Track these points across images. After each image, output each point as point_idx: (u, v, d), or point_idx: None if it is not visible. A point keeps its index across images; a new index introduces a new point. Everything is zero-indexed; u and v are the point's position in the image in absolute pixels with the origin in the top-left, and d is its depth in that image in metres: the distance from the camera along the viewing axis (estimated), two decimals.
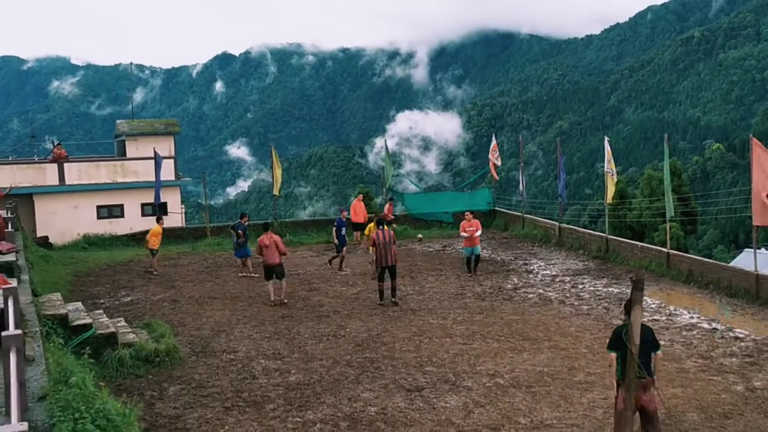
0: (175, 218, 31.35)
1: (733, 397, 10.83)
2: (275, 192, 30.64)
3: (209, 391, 11.50)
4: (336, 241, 22.52)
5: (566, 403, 10.72)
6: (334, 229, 22.59)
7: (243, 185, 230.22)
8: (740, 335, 14.17)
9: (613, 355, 8.47)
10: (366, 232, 21.61)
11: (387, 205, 29.62)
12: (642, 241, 26.44)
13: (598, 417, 10.09)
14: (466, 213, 21.81)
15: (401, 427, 9.94)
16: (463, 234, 20.98)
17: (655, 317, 15.66)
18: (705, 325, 14.98)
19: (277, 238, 17.95)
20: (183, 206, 34.90)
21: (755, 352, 13.06)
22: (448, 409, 10.53)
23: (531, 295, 18.30)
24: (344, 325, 15.60)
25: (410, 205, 32.74)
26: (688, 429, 9.72)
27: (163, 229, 23.41)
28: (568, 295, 18.26)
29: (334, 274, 21.65)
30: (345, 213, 24.16)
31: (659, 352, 8.50)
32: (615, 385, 8.54)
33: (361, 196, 30.08)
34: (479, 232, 20.94)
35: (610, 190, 23.66)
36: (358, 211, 27.50)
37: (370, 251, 19.53)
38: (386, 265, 17.23)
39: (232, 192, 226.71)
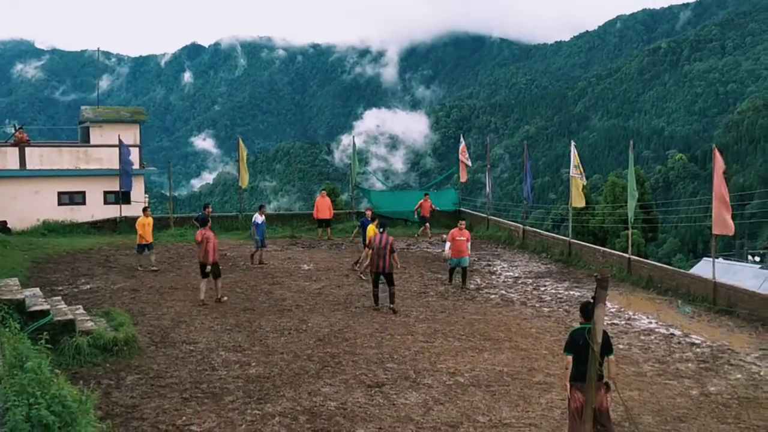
0: (139, 208, 30.89)
1: (687, 402, 11.03)
2: (241, 184, 30.53)
3: (167, 381, 11.38)
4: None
5: (525, 402, 10.82)
6: (359, 227, 22.40)
7: (208, 177, 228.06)
8: (696, 341, 14.43)
9: (569, 357, 8.58)
10: (369, 233, 20.59)
11: (423, 200, 28.38)
12: (603, 247, 26.74)
13: (556, 417, 10.20)
14: (459, 222, 20.00)
15: (360, 422, 9.94)
16: (447, 242, 19.40)
17: (615, 321, 15.87)
18: (663, 331, 15.22)
19: (209, 235, 16.79)
20: (147, 196, 34.47)
21: (710, 358, 13.31)
22: (408, 406, 10.55)
23: (493, 296, 18.42)
24: (306, 319, 15.55)
25: (376, 202, 32.72)
26: (644, 431, 9.87)
27: (136, 218, 22.88)
28: (529, 297, 18.42)
29: (298, 268, 21.57)
30: (370, 211, 23.56)
31: (612, 356, 8.64)
32: (568, 387, 8.67)
33: (324, 192, 29.96)
34: (469, 244, 19.57)
35: (576, 194, 23.63)
36: (321, 207, 27.48)
37: (365, 252, 19.32)
38: (379, 271, 16.68)
39: (196, 184, 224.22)
